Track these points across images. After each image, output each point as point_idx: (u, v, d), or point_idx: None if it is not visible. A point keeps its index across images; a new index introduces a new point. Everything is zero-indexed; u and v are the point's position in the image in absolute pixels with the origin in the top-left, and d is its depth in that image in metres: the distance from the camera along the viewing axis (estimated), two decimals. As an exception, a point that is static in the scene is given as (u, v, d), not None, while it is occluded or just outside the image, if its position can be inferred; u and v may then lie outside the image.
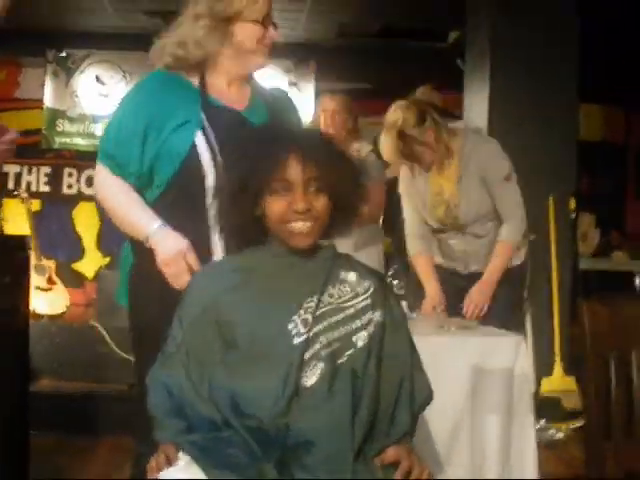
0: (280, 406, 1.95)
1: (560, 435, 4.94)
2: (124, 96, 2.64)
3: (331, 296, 2.08)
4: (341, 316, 2.06)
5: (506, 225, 3.86)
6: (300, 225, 2.03)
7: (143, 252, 2.50)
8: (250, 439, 1.91)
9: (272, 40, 2.60)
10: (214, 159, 2.47)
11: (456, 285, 4.03)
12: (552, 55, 5.99)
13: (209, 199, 2.42)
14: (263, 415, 1.95)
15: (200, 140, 2.48)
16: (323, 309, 2.05)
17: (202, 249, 2.47)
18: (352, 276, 2.13)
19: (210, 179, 2.45)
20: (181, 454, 1.98)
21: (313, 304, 2.04)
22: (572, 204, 6.00)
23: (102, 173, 2.58)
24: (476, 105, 6.32)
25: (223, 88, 2.61)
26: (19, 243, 3.06)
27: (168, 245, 2.44)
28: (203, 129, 2.49)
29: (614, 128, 9.47)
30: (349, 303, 2.08)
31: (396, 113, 3.78)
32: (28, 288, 3.06)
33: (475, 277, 3.95)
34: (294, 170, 2.02)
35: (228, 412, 1.97)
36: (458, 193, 3.87)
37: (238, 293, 2.09)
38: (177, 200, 2.50)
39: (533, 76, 5.97)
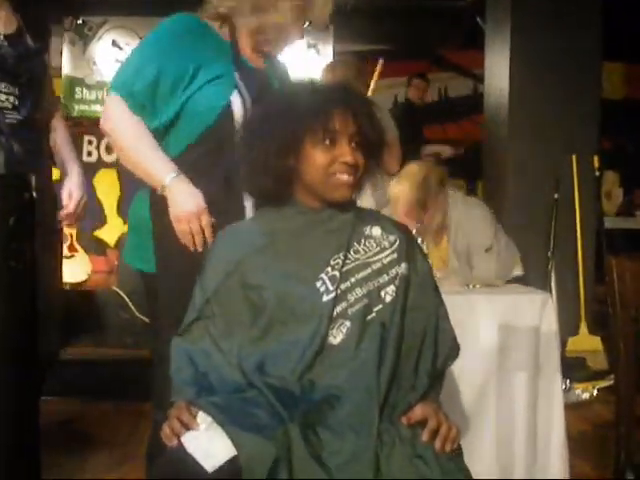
0: (306, 362, 1.94)
1: (586, 395, 4.92)
2: (154, 30, 2.47)
3: (357, 252, 2.08)
4: (368, 271, 2.05)
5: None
6: (346, 178, 2.07)
7: (162, 211, 2.39)
8: (274, 399, 1.88)
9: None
10: (245, 119, 2.40)
11: None
12: (574, 13, 5.95)
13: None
14: (288, 371, 1.93)
15: (235, 98, 2.41)
16: (350, 265, 2.04)
17: (230, 207, 2.39)
18: (377, 230, 2.13)
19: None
20: (201, 418, 1.91)
21: (340, 261, 2.04)
22: (596, 162, 5.96)
23: (119, 106, 2.41)
24: (497, 64, 6.27)
25: (248, 51, 2.57)
26: (22, 182, 2.85)
27: (185, 201, 2.34)
28: (237, 87, 2.42)
29: (637, 86, 9.37)
30: (375, 258, 2.07)
31: (422, 168, 3.96)
32: (34, 230, 2.91)
33: None
34: (341, 122, 2.05)
35: (252, 374, 1.95)
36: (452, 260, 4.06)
37: (263, 255, 2.08)
38: (206, 155, 2.41)
39: (555, 35, 5.94)
